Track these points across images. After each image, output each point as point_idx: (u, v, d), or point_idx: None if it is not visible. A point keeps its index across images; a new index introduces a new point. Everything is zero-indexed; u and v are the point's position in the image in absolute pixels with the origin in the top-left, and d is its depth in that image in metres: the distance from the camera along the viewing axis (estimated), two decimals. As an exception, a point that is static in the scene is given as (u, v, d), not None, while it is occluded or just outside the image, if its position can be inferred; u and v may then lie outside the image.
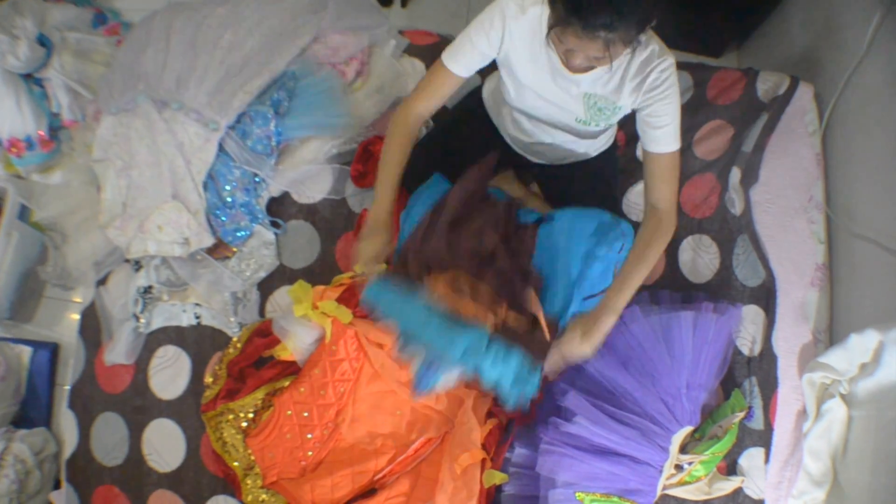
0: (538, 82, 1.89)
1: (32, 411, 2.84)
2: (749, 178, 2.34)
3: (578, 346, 1.83)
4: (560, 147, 2.15)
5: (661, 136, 1.85)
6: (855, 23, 2.31)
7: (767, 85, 2.47)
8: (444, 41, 2.57)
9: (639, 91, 1.81)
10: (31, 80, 2.96)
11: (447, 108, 2.38)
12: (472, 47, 1.85)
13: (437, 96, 2.00)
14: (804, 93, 2.45)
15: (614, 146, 2.32)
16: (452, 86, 1.96)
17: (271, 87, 2.35)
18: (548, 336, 1.90)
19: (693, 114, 2.45)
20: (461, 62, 1.89)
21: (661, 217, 1.92)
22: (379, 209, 1.97)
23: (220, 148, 2.27)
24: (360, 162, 2.37)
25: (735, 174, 2.35)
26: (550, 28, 1.57)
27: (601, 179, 2.25)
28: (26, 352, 2.88)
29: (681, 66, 2.54)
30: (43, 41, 2.89)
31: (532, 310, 1.93)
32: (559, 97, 1.89)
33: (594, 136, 2.08)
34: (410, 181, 2.12)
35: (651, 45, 1.75)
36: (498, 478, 2.01)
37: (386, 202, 1.98)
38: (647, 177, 1.94)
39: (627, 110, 1.90)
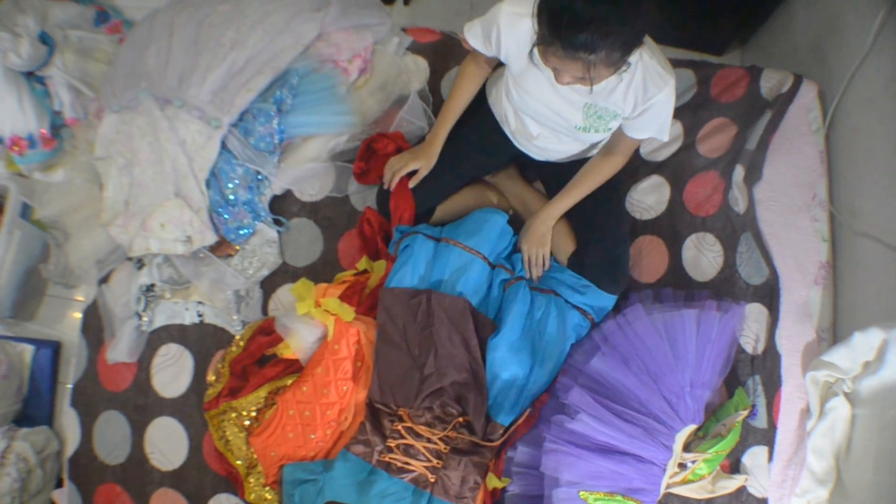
0: (537, 89, 1.92)
1: (35, 410, 2.84)
2: (752, 176, 2.33)
3: (534, 249, 2.20)
4: (562, 147, 2.16)
5: (640, 129, 1.96)
6: (858, 21, 2.30)
7: (771, 83, 2.46)
8: (446, 39, 2.58)
9: (637, 105, 1.85)
10: (34, 78, 2.96)
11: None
12: (482, 41, 1.96)
13: (476, 55, 2.11)
14: (808, 91, 2.44)
15: None
16: (476, 59, 2.14)
17: (274, 84, 2.35)
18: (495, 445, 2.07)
19: (696, 111, 2.45)
20: (478, 40, 1.98)
21: (615, 155, 2.12)
22: (433, 137, 2.24)
23: (223, 146, 2.27)
24: (363, 159, 2.38)
25: (738, 172, 2.35)
26: (535, 46, 1.60)
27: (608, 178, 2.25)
28: (28, 350, 2.88)
29: (684, 63, 2.55)
30: (45, 39, 2.89)
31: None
32: (558, 105, 1.92)
33: (595, 139, 2.09)
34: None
35: (654, 62, 1.76)
36: (499, 482, 2.03)
37: (442, 133, 2.24)
38: (612, 141, 2.11)
39: (625, 115, 1.94)
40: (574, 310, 2.14)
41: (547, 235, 2.20)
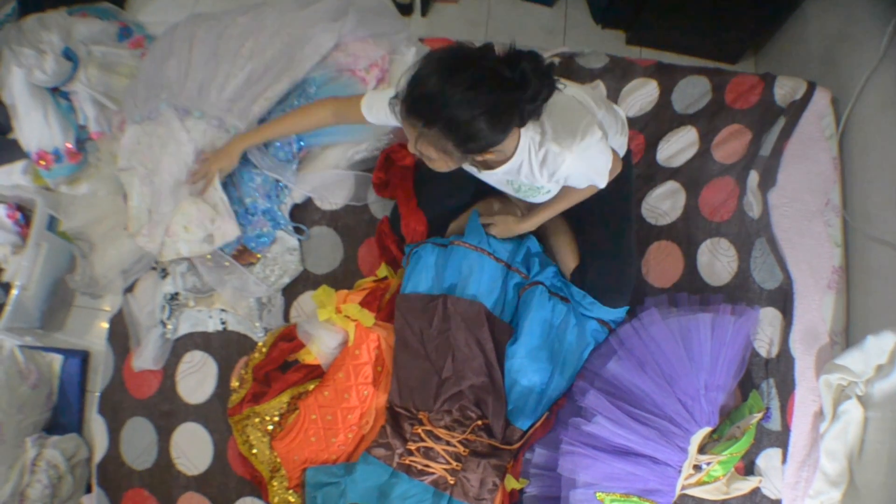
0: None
1: (64, 417, 2.88)
2: (767, 182, 2.35)
3: (509, 227, 2.19)
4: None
5: (573, 184, 1.94)
6: (871, 28, 2.32)
7: (785, 90, 2.49)
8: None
9: (552, 176, 1.84)
10: (58, 93, 3.00)
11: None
12: (384, 111, 1.94)
13: (348, 116, 2.13)
14: (821, 97, 2.46)
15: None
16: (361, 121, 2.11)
17: (292, 93, 2.39)
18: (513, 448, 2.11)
19: (711, 118, 2.47)
20: (374, 116, 2.02)
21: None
22: (242, 140, 2.26)
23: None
24: (382, 170, 2.41)
25: (753, 178, 2.37)
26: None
27: (610, 193, 2.24)
28: (58, 360, 2.92)
29: (699, 71, 2.57)
30: (69, 55, 2.93)
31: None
32: (485, 175, 1.94)
33: (541, 199, 2.11)
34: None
35: (547, 141, 1.75)
36: (517, 484, 2.06)
37: (253, 140, 2.26)
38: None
39: (553, 187, 1.97)
40: (591, 318, 2.17)
41: (508, 233, 2.24)
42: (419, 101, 1.53)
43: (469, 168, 1.92)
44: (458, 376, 2.09)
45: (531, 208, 2.29)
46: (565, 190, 2.03)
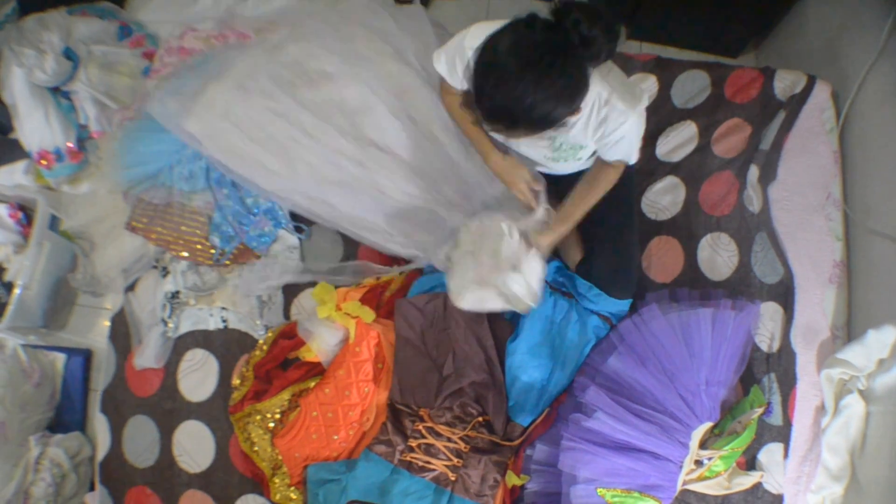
0: None
1: (67, 416, 2.90)
2: (767, 176, 2.35)
3: (542, 241, 2.04)
4: (549, 169, 2.20)
5: (608, 154, 1.95)
6: (871, 21, 2.31)
7: (785, 83, 2.48)
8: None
9: (601, 138, 1.86)
10: (59, 93, 3.01)
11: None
12: (448, 71, 1.95)
13: (452, 87, 2.07)
14: (821, 91, 2.46)
15: None
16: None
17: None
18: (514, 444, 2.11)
19: (711, 112, 2.47)
20: (456, 80, 1.96)
21: (610, 168, 2.05)
22: (497, 155, 2.12)
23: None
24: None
25: (753, 172, 2.36)
26: None
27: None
28: (60, 358, 2.93)
29: (698, 65, 2.57)
30: (69, 55, 2.94)
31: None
32: (526, 139, 1.94)
33: (570, 168, 2.12)
34: None
35: (615, 96, 1.75)
36: (518, 480, 2.06)
37: (494, 149, 2.12)
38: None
39: (593, 149, 1.97)
40: (593, 314, 2.17)
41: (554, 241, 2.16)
42: (495, 114, 1.53)
43: (496, 135, 1.95)
44: (459, 374, 2.09)
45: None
46: (597, 173, 2.05)
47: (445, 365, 2.11)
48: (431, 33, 2.43)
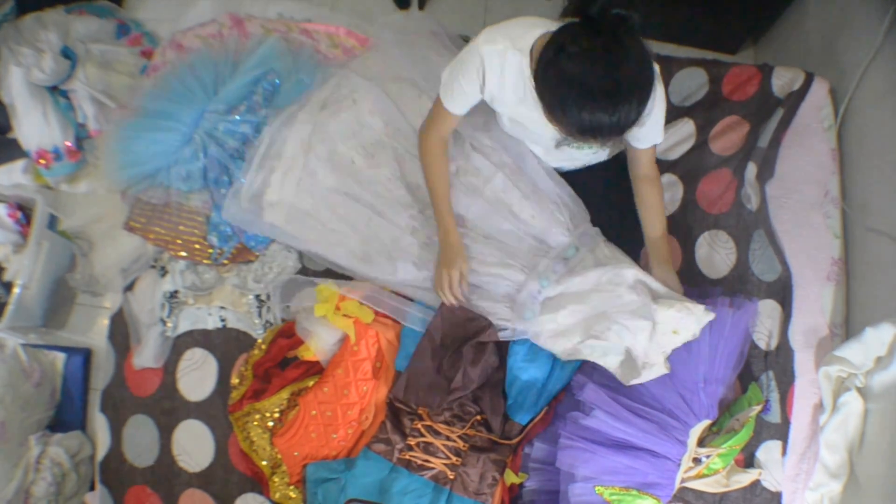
0: (529, 120, 1.93)
1: (68, 415, 2.91)
2: (765, 174, 2.34)
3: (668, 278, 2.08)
4: (562, 163, 2.19)
5: (641, 139, 1.96)
6: (869, 18, 2.31)
7: (783, 80, 2.48)
8: (461, 42, 2.57)
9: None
10: (57, 92, 3.01)
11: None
12: (461, 91, 1.89)
13: (448, 126, 2.06)
14: (819, 88, 2.45)
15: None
16: (457, 120, 2.02)
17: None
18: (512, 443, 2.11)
19: (709, 110, 2.47)
20: (457, 103, 1.94)
21: (653, 180, 2.11)
22: (450, 236, 2.09)
23: (241, 156, 2.34)
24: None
25: (751, 169, 2.36)
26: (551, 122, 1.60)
27: (618, 175, 2.26)
28: (60, 358, 2.94)
29: (696, 62, 2.57)
30: (67, 53, 2.94)
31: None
32: (552, 131, 1.90)
33: (594, 158, 2.11)
34: None
35: None
36: (517, 478, 2.07)
37: (453, 227, 2.10)
38: (633, 165, 2.12)
39: None
40: None
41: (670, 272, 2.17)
42: (590, 134, 1.51)
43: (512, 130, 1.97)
44: (466, 387, 2.09)
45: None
46: (645, 193, 2.09)
47: (455, 379, 2.10)
48: None
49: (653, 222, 2.14)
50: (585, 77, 1.45)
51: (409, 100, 2.32)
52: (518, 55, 1.74)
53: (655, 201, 2.12)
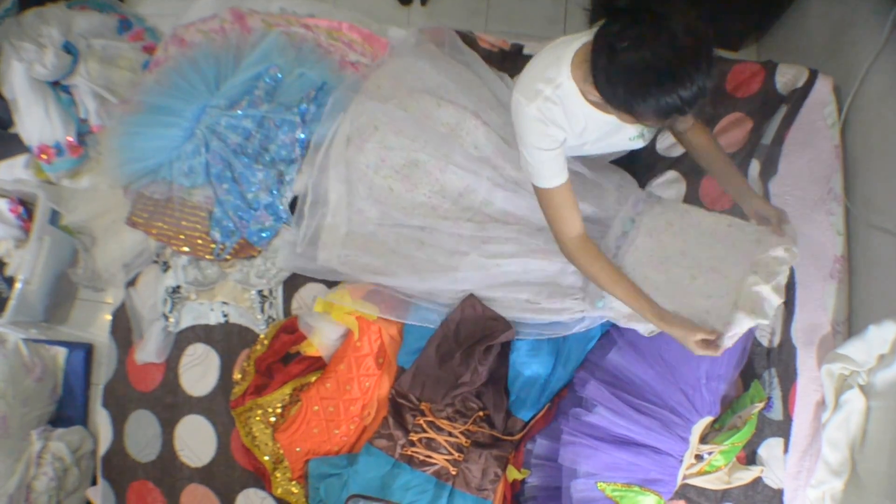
0: (599, 133, 1.86)
1: (69, 410, 2.91)
2: (768, 171, 2.34)
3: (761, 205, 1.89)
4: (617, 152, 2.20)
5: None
6: (873, 15, 2.30)
7: (786, 77, 2.47)
8: (465, 38, 2.55)
9: None
10: (59, 87, 3.01)
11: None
12: (550, 159, 1.79)
13: (572, 208, 1.88)
14: (823, 85, 2.44)
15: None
16: (571, 192, 1.87)
17: (303, 97, 2.40)
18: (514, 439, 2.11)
19: (712, 107, 2.46)
20: (553, 171, 1.81)
21: (699, 126, 2.01)
22: (663, 316, 1.85)
23: (243, 151, 2.33)
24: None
25: (754, 167, 2.35)
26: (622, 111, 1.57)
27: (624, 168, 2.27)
28: (62, 353, 2.94)
29: (699, 59, 2.55)
30: (69, 49, 2.94)
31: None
32: (622, 131, 1.87)
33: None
34: None
35: None
36: (519, 474, 2.07)
37: (655, 306, 1.87)
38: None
39: None
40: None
41: None
42: (677, 111, 1.47)
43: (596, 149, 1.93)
44: (472, 384, 2.09)
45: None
46: (705, 147, 2.01)
47: (463, 376, 2.09)
48: (493, 76, 2.42)
49: (718, 164, 2.00)
50: (652, 63, 1.43)
51: (429, 109, 2.28)
52: (564, 86, 1.69)
53: (708, 141, 2.00)
